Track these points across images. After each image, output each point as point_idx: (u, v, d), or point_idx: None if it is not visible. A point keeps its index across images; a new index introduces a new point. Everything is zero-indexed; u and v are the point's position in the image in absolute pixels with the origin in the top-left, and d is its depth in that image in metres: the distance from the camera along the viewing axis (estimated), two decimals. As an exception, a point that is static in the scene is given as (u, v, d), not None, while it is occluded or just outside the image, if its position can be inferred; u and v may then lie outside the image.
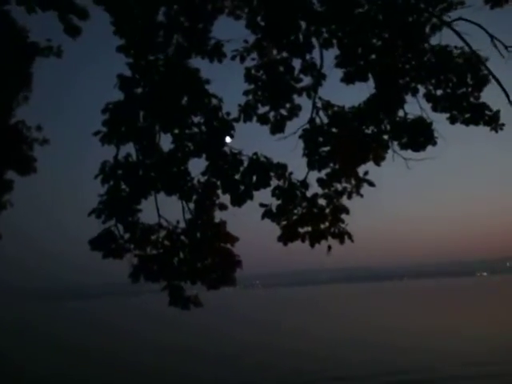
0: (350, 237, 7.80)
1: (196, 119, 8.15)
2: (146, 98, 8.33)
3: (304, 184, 7.81)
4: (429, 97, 8.41)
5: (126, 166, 7.89)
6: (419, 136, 7.99)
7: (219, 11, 8.33)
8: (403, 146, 8.13)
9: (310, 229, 7.88)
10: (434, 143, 8.11)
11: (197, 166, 8.58)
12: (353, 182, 7.59)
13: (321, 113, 7.71)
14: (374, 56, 7.94)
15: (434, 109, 8.43)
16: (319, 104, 7.65)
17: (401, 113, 8.36)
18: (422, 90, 8.39)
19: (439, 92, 8.36)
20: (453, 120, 8.38)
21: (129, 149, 8.42)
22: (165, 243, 8.24)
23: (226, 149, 8.16)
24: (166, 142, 8.39)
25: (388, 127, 8.12)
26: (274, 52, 8.21)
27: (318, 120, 7.67)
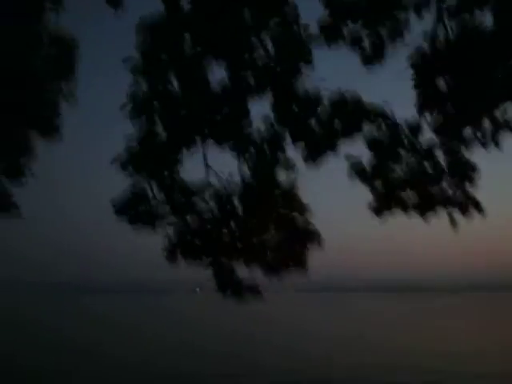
0: (478, 206, 5.45)
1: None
2: (194, 17, 6.18)
3: (414, 129, 5.48)
4: None
5: (166, 97, 5.76)
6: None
7: None
8: None
9: (417, 194, 5.56)
10: None
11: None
12: (488, 125, 5.23)
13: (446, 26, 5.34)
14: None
15: None
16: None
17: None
18: None
19: None
20: None
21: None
22: (212, 209, 6.07)
23: (299, 84, 5.91)
24: (217, 75, 6.22)
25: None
26: None
27: (441, 34, 5.31)
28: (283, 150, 6.23)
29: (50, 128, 9.61)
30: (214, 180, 6.11)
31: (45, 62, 8.30)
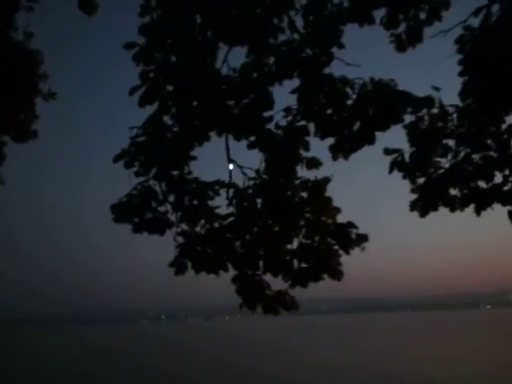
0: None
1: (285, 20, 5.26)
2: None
3: (465, 117, 4.87)
4: None
5: (178, 78, 4.99)
6: None
7: None
8: None
9: (467, 190, 4.93)
10: None
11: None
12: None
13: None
14: None
15: None
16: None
17: None
18: None
19: None
20: None
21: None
22: (232, 213, 5.25)
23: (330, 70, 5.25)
24: (233, 61, 5.51)
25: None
26: None
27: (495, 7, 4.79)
28: (308, 146, 5.53)
29: (26, 133, 8.66)
30: (232, 179, 5.35)
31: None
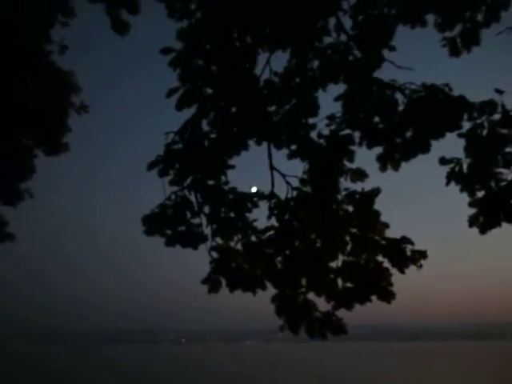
0: None
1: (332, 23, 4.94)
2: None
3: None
4: None
5: (218, 82, 4.69)
6: None
7: None
8: None
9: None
10: None
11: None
12: None
13: None
14: None
15: None
16: None
17: None
18: None
19: None
20: None
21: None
22: (272, 226, 4.87)
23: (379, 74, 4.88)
24: (276, 65, 5.20)
25: None
26: None
27: None
28: (352, 157, 5.14)
29: (58, 146, 8.52)
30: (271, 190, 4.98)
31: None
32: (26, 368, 54.93)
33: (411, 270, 4.70)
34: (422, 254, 4.49)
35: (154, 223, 4.92)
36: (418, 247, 4.74)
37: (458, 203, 5.13)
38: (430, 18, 4.97)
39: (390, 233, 4.96)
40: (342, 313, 4.84)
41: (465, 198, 4.75)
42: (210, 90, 4.74)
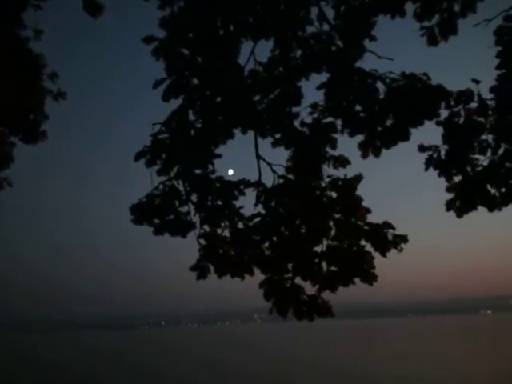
0: None
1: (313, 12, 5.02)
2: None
3: (502, 108, 4.60)
4: None
5: (203, 72, 4.74)
6: None
7: None
8: None
9: (503, 188, 4.67)
10: None
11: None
12: None
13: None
14: None
15: None
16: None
17: None
18: None
19: None
20: None
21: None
22: (259, 213, 5.00)
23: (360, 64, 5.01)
24: (260, 55, 5.27)
25: None
26: None
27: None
28: (335, 144, 5.29)
29: (35, 134, 8.41)
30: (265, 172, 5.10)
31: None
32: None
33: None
34: (403, 238, 4.71)
35: (142, 212, 4.99)
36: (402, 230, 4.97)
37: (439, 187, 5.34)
38: (409, 9, 5.12)
39: (377, 214, 5.17)
40: (326, 295, 5.05)
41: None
42: (196, 81, 4.79)
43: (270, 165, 4.98)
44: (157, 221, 5.02)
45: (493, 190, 4.79)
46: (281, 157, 5.06)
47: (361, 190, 5.23)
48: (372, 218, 5.04)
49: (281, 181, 4.95)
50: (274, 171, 4.96)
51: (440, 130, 4.87)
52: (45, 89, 8.16)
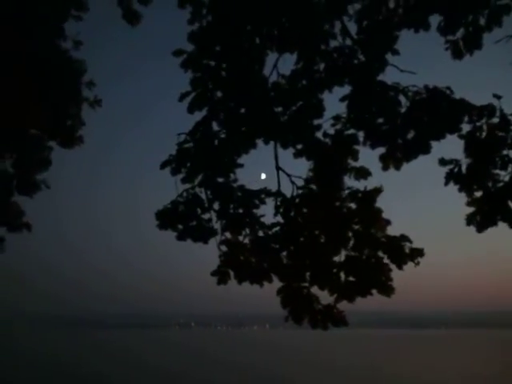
0: None
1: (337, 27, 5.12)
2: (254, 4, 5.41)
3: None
4: None
5: (227, 84, 4.91)
6: None
7: None
8: None
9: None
10: None
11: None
12: None
13: None
14: None
15: None
16: None
17: None
18: None
19: None
20: None
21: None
22: (278, 223, 5.12)
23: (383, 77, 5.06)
24: (283, 67, 5.40)
25: None
26: None
27: None
28: (357, 155, 5.35)
29: (72, 138, 8.79)
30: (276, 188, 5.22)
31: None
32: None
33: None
34: (420, 252, 4.72)
35: (167, 218, 5.19)
36: (419, 242, 4.99)
37: (456, 201, 5.31)
38: (433, 21, 5.14)
39: (394, 226, 5.20)
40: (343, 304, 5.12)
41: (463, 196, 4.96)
42: (219, 94, 4.96)
43: (289, 176, 5.10)
44: (180, 226, 5.20)
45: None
46: (299, 170, 5.17)
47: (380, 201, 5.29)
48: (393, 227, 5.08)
49: (300, 191, 5.05)
50: (292, 182, 5.07)
51: (458, 143, 4.86)
52: (83, 96, 8.57)
